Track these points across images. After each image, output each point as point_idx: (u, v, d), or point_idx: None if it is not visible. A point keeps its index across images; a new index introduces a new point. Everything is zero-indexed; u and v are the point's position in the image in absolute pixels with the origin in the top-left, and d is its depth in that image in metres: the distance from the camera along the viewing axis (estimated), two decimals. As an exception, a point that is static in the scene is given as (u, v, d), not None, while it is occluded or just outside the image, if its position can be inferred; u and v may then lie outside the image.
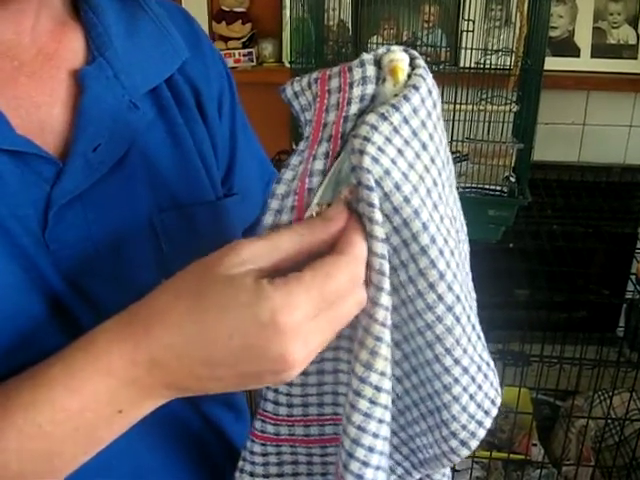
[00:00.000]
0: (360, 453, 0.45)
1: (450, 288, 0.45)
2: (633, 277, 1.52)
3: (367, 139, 0.43)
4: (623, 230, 1.97)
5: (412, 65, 0.45)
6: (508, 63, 1.57)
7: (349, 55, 2.05)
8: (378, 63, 0.45)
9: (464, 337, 0.47)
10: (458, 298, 0.46)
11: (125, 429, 0.45)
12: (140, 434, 0.47)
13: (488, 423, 0.50)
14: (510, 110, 1.53)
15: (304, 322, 0.41)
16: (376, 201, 0.42)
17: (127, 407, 0.43)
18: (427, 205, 0.44)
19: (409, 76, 0.45)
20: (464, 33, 1.58)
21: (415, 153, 0.44)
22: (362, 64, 0.45)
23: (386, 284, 0.43)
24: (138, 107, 0.56)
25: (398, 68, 0.44)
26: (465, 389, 0.48)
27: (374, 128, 0.43)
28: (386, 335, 0.44)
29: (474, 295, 0.54)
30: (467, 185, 1.49)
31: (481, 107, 1.48)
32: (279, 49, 2.18)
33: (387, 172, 0.43)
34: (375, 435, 0.45)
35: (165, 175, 0.58)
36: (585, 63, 2.04)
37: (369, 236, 0.43)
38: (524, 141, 1.44)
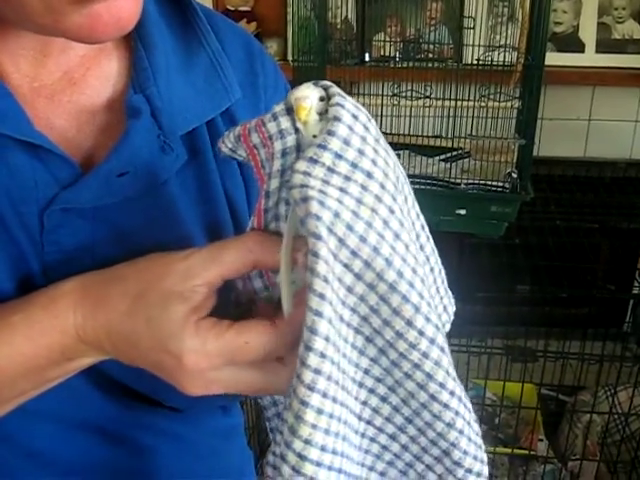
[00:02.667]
0: None
1: (428, 319, 0.42)
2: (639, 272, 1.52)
3: (304, 186, 0.40)
4: (629, 225, 1.96)
5: (328, 95, 0.42)
6: (511, 60, 1.57)
7: (353, 53, 2.06)
8: (290, 110, 0.43)
9: (450, 365, 0.44)
10: (437, 327, 0.43)
11: (74, 373, 0.51)
12: None
13: (482, 444, 0.48)
14: (512, 107, 1.53)
15: (207, 371, 0.44)
16: (323, 251, 0.39)
17: (76, 357, 0.49)
18: (387, 238, 0.41)
19: (326, 110, 0.42)
20: (467, 30, 1.58)
21: (361, 186, 0.41)
22: (274, 117, 0.43)
23: (317, 344, 0.39)
24: (172, 149, 0.54)
25: (300, 107, 0.42)
26: (464, 419, 0.45)
27: (307, 174, 0.40)
28: (313, 400, 0.39)
29: (448, 310, 0.53)
30: (470, 181, 1.49)
31: (483, 103, 1.49)
32: (284, 47, 2.18)
33: (337, 215, 0.40)
34: None
35: (186, 222, 0.56)
36: (590, 58, 2.03)
37: (308, 289, 0.39)
38: (526, 137, 1.44)
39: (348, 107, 0.42)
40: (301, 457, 0.40)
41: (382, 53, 1.97)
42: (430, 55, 1.89)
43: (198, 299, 0.45)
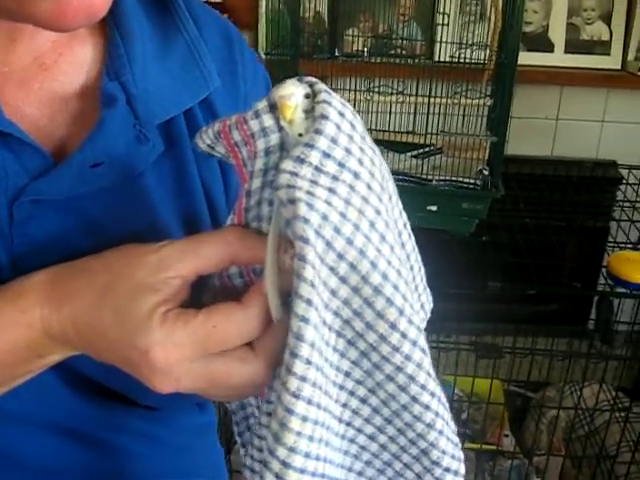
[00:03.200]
0: None
1: (411, 322, 0.42)
2: (604, 270, 1.54)
3: (291, 186, 0.38)
4: (595, 224, 1.99)
5: (313, 91, 0.41)
6: (483, 57, 1.58)
7: (325, 47, 2.05)
8: (273, 108, 0.41)
9: (430, 367, 0.44)
10: (419, 329, 0.43)
11: (42, 369, 0.49)
12: None
13: (458, 441, 0.48)
14: (484, 104, 1.54)
15: (178, 363, 0.42)
16: (310, 256, 0.38)
17: (44, 353, 0.47)
18: (373, 240, 0.40)
19: (312, 107, 0.41)
20: (439, 27, 1.59)
21: (349, 186, 0.40)
22: (257, 115, 0.41)
23: (303, 351, 0.38)
24: (149, 139, 0.52)
25: (285, 106, 0.40)
26: (443, 418, 0.45)
27: (294, 175, 0.39)
28: (298, 407, 0.39)
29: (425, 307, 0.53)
30: (441, 178, 1.49)
31: (455, 100, 1.49)
32: (255, 40, 2.17)
33: (325, 217, 0.39)
34: None
35: (162, 214, 0.54)
36: (559, 58, 2.06)
37: (294, 294, 0.39)
38: (498, 135, 1.45)
39: (335, 104, 0.41)
40: (285, 465, 0.39)
41: (353, 48, 1.97)
42: (402, 52, 1.89)
43: (169, 292, 0.43)
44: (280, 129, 0.42)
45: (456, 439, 0.47)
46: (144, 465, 0.63)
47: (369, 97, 1.57)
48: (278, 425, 0.39)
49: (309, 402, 0.39)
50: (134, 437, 0.62)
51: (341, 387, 0.44)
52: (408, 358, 0.42)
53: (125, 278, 0.44)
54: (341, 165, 0.40)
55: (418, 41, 1.96)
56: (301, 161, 0.39)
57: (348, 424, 0.46)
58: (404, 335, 0.41)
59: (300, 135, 0.41)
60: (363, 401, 0.45)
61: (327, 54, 1.99)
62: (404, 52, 1.88)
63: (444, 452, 0.46)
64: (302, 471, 0.39)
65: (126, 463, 0.61)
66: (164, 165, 0.54)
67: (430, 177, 1.48)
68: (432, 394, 0.44)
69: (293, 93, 0.41)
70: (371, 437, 0.47)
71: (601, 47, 2.05)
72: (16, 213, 0.49)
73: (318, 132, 0.39)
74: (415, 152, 1.59)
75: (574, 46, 2.05)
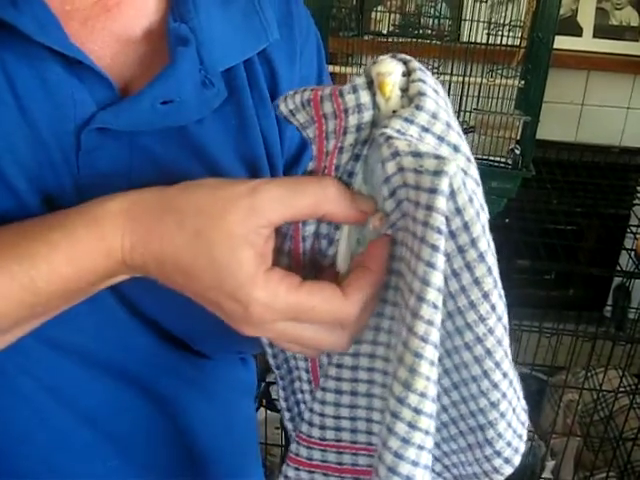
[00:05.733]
0: None
1: (500, 296, 0.41)
2: (631, 253, 1.54)
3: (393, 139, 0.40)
4: (617, 211, 1.99)
5: (408, 69, 0.41)
6: (514, 37, 1.58)
7: (352, 24, 2.04)
8: (371, 84, 0.41)
9: (508, 347, 0.43)
10: (505, 306, 0.42)
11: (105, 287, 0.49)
12: None
13: (525, 434, 0.47)
14: (514, 85, 1.54)
15: (271, 322, 0.43)
16: (440, 204, 0.38)
17: (116, 276, 0.47)
18: (478, 207, 0.40)
19: (407, 86, 0.41)
20: (468, 6, 1.58)
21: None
22: (354, 89, 0.41)
23: (430, 295, 0.39)
24: (213, 84, 0.52)
25: (384, 83, 0.40)
26: (510, 403, 0.44)
27: (400, 132, 0.40)
28: (427, 352, 0.39)
29: None
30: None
31: (488, 80, 1.49)
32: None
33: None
34: (414, 463, 0.40)
35: (224, 158, 0.54)
36: (587, 43, 2.05)
37: (420, 241, 0.39)
38: (531, 114, 1.45)
39: (430, 82, 0.41)
40: (417, 411, 0.39)
41: (380, 27, 1.95)
42: (429, 32, 1.88)
43: (261, 243, 0.43)
44: (374, 106, 0.42)
45: (520, 430, 0.46)
46: (192, 415, 0.63)
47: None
48: (407, 371, 0.39)
49: (435, 346, 0.39)
50: (185, 385, 0.62)
51: None
52: (491, 331, 0.41)
53: (217, 224, 0.43)
54: (440, 139, 0.41)
55: (446, 19, 1.95)
56: (401, 134, 0.40)
57: None
58: (493, 308, 0.41)
59: (394, 112, 0.41)
60: (438, 360, 0.45)
61: (354, 32, 1.98)
62: (431, 32, 1.87)
63: (500, 435, 0.45)
64: (430, 416, 0.40)
65: (175, 412, 0.62)
66: (226, 111, 0.54)
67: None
68: (504, 374, 0.43)
69: (392, 71, 0.41)
70: (436, 397, 0.47)
71: (630, 33, 2.04)
72: (83, 142, 0.48)
73: (419, 108, 0.40)
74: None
75: (603, 31, 2.05)
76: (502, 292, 0.42)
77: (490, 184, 1.48)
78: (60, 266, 0.44)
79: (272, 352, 0.53)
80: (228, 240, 0.42)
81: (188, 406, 0.62)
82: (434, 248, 0.38)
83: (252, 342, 0.47)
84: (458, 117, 1.55)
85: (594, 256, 2.13)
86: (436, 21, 1.87)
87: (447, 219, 0.39)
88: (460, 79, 1.53)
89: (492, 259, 0.40)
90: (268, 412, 1.73)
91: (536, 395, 1.95)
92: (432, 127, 0.40)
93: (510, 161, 1.47)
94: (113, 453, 0.59)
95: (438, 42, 1.76)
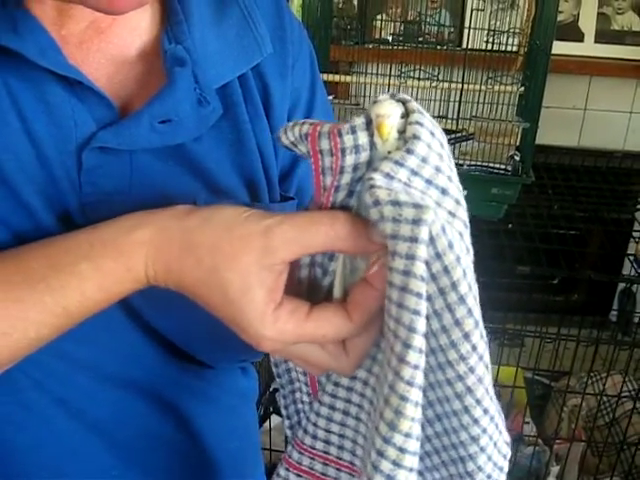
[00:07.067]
0: None
1: (482, 336, 0.42)
2: (631, 258, 1.55)
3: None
4: (619, 215, 1.99)
5: (406, 110, 0.42)
6: (512, 45, 1.58)
7: (354, 32, 2.05)
8: (369, 125, 0.42)
9: (490, 384, 0.44)
10: (486, 343, 0.43)
11: None
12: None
13: (506, 466, 0.48)
14: (513, 92, 1.54)
15: (282, 349, 0.46)
16: (421, 252, 0.39)
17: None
18: (462, 251, 0.41)
19: (405, 128, 0.41)
20: (469, 14, 1.59)
21: (435, 203, 0.42)
22: (353, 130, 0.42)
23: (416, 341, 0.39)
24: (209, 102, 0.54)
25: (383, 126, 0.41)
26: (491, 438, 0.45)
27: (389, 175, 0.40)
28: (412, 394, 0.40)
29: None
30: (471, 163, 1.50)
31: (488, 87, 1.49)
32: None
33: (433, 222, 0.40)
34: None
35: (222, 173, 0.56)
36: (588, 48, 2.05)
37: (403, 290, 0.40)
38: (530, 121, 1.45)
39: (427, 125, 0.41)
40: (402, 450, 0.40)
41: (382, 34, 1.97)
42: (432, 38, 1.89)
43: (274, 278, 0.44)
44: (371, 147, 0.42)
45: (501, 462, 0.47)
46: (195, 422, 0.64)
47: (402, 82, 1.58)
48: (393, 413, 0.40)
49: (419, 388, 0.40)
50: (189, 394, 0.64)
51: None
52: (472, 370, 0.42)
53: (232, 263, 0.44)
54: (428, 182, 0.41)
55: (447, 27, 1.96)
56: (390, 177, 0.40)
57: None
58: (474, 348, 0.42)
59: (389, 152, 0.41)
60: (422, 392, 0.45)
61: (356, 39, 1.99)
62: (433, 39, 1.88)
63: (480, 468, 0.46)
64: (414, 454, 0.40)
65: (180, 419, 0.63)
66: (222, 127, 0.56)
67: (461, 162, 1.49)
68: (485, 410, 0.44)
69: (391, 113, 0.41)
70: (420, 434, 0.48)
71: (632, 37, 2.05)
72: (85, 161, 0.50)
73: (410, 152, 0.40)
74: (447, 137, 1.59)
75: (604, 36, 2.05)
76: (484, 332, 0.43)
77: (490, 191, 1.49)
78: (92, 294, 0.47)
79: (274, 361, 0.55)
80: (241, 281, 0.43)
81: (192, 413, 0.64)
82: (419, 296, 0.39)
83: (254, 352, 0.48)
84: (457, 124, 1.56)
85: (597, 261, 2.12)
86: (437, 28, 1.89)
87: (427, 263, 0.40)
88: (460, 86, 1.54)
89: (473, 301, 0.41)
90: (275, 418, 1.74)
91: (540, 400, 1.96)
92: (421, 171, 0.41)
93: (510, 167, 1.48)
94: (119, 461, 0.61)
95: (439, 47, 1.77)
